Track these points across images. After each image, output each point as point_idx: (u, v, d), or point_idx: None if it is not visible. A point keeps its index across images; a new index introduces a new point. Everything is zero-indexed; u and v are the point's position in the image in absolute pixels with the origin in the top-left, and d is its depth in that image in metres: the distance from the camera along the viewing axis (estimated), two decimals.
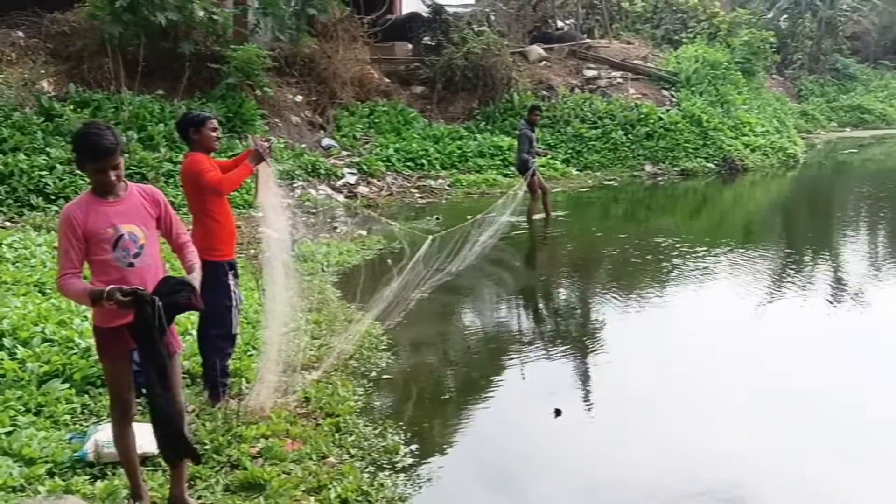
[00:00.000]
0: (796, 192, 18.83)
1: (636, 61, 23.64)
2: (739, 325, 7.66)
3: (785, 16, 37.34)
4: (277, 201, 5.52)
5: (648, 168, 19.38)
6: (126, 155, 3.70)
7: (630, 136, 19.90)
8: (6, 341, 5.32)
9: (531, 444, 5.04)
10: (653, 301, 8.58)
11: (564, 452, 4.98)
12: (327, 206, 14.23)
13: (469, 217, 11.68)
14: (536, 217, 13.01)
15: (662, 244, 11.26)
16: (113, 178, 3.49)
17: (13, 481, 3.88)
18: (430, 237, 8.34)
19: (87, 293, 3.43)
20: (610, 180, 18.19)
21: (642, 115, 20.33)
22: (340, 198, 15.01)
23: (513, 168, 15.00)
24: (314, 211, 13.67)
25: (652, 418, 5.40)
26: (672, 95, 22.09)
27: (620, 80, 22.25)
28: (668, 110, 21.09)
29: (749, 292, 8.80)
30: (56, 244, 3.96)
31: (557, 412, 5.38)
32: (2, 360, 5.07)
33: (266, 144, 5.19)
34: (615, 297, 8.71)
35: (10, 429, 4.38)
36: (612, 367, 6.50)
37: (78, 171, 11.82)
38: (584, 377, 6.36)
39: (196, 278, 3.67)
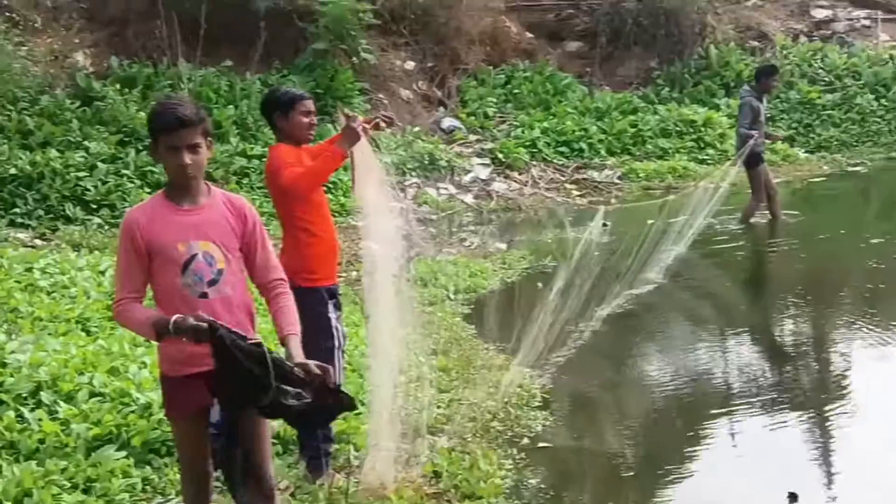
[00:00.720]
0: None
1: None
2: None
3: None
4: (383, 199, 5.63)
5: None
6: (214, 143, 3.78)
7: (884, 101, 19.17)
8: (45, 396, 5.64)
9: None
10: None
11: None
12: (452, 210, 14.42)
13: (650, 221, 11.56)
14: (755, 220, 12.74)
15: None
16: (188, 160, 3.59)
17: None
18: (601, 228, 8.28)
19: (150, 323, 3.55)
20: (855, 165, 17.55)
21: None
22: (469, 199, 15.17)
23: (730, 149, 14.82)
24: (434, 217, 13.88)
25: None
26: None
27: (866, 23, 21.50)
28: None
29: None
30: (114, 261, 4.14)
31: (793, 497, 5.23)
32: (41, 420, 5.38)
33: (360, 120, 5.26)
34: (868, 334, 8.38)
35: None
36: (866, 433, 6.25)
37: (126, 172, 12.57)
38: (827, 448, 6.14)
39: (298, 355, 3.67)
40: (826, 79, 19.57)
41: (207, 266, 3.66)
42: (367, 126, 5.30)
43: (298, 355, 3.66)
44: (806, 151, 18.23)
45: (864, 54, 20.10)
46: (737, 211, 12.90)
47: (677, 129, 18.07)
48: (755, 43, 20.61)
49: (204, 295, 3.64)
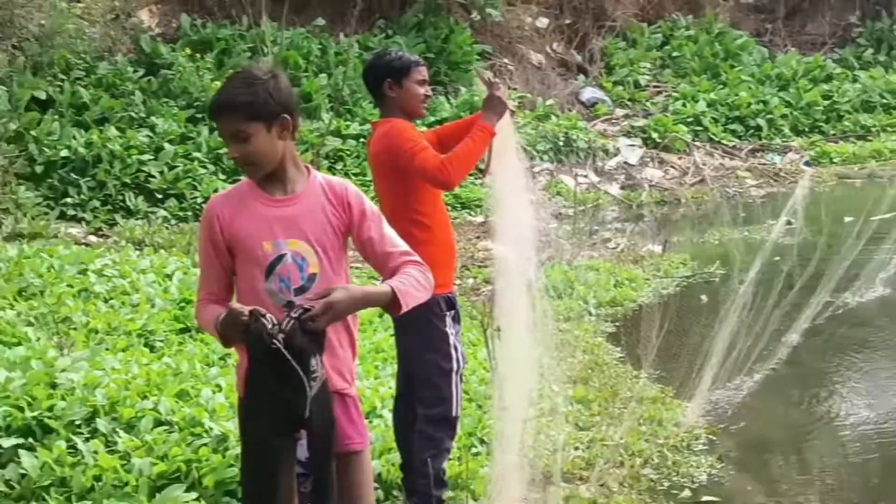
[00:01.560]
0: None
1: None
2: None
3: None
4: (522, 186, 5.65)
5: None
6: (291, 122, 3.77)
7: None
8: (101, 423, 5.77)
9: None
10: None
11: None
12: (593, 203, 14.39)
13: (848, 218, 11.34)
14: None
15: None
16: (234, 152, 3.68)
17: None
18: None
19: (213, 324, 3.58)
20: None
21: None
22: (614, 189, 15.12)
23: None
24: (570, 212, 13.87)
25: None
26: None
27: None
28: None
29: None
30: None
31: None
32: (96, 452, 5.51)
33: (504, 91, 5.32)
34: None
35: None
36: None
37: (197, 155, 12.86)
38: None
39: (359, 290, 3.70)
40: None
41: (297, 270, 3.69)
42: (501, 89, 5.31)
43: (358, 288, 3.76)
44: None
45: None
46: None
47: (883, 101, 17.78)
48: None
49: (289, 304, 3.58)
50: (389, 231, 3.81)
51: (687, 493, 6.08)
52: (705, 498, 6.05)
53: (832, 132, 17.17)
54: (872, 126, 17.26)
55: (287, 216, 3.68)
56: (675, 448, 6.59)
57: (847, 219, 12.22)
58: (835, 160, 16.21)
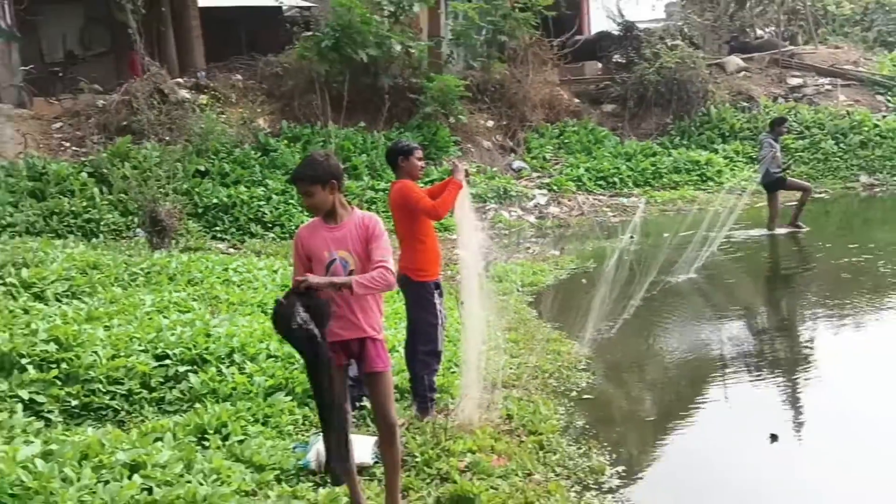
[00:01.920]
0: None
1: (846, 66, 21.96)
2: None
3: None
4: (472, 220, 5.66)
5: (863, 179, 17.93)
6: (338, 185, 3.83)
7: (842, 145, 18.54)
8: (237, 357, 5.78)
9: (744, 471, 4.78)
10: (871, 319, 7.91)
11: (780, 481, 4.68)
12: (519, 227, 14.38)
13: (665, 234, 11.35)
14: (779, 230, 12.53)
15: (881, 259, 10.34)
16: (306, 203, 3.83)
17: (246, 486, 4.20)
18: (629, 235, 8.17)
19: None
20: (820, 193, 16.98)
21: (855, 123, 18.89)
22: (532, 219, 15.10)
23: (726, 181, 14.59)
24: (507, 232, 13.86)
25: (884, 450, 4.95)
26: (888, 101, 20.34)
27: (829, 87, 20.80)
28: (884, 116, 19.46)
29: None
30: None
31: (774, 437, 5.08)
32: (233, 374, 5.52)
33: (463, 166, 5.36)
34: (831, 315, 8.10)
35: (241, 437, 4.75)
36: (828, 391, 6.05)
37: (292, 202, 12.83)
38: (798, 402, 5.95)
39: (327, 279, 3.67)
40: (798, 129, 18.97)
41: (342, 267, 3.78)
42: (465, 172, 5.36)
43: (327, 277, 3.70)
44: None
45: (826, 111, 19.45)
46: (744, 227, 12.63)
47: (686, 167, 17.75)
48: (745, 103, 20.06)
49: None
50: (385, 248, 3.79)
51: (574, 393, 6.08)
52: (584, 396, 6.05)
53: (656, 184, 17.17)
54: (679, 181, 17.26)
55: (336, 237, 3.78)
56: (567, 367, 6.58)
57: (665, 234, 12.25)
58: (658, 201, 16.20)
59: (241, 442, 4.68)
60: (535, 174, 17.21)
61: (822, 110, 19.46)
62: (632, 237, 12.41)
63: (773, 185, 12.34)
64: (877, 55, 23.73)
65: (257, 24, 19.54)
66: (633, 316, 8.09)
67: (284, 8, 19.06)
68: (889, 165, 18.10)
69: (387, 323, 6.63)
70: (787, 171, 13.84)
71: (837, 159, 18.31)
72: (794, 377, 6.44)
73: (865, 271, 9.85)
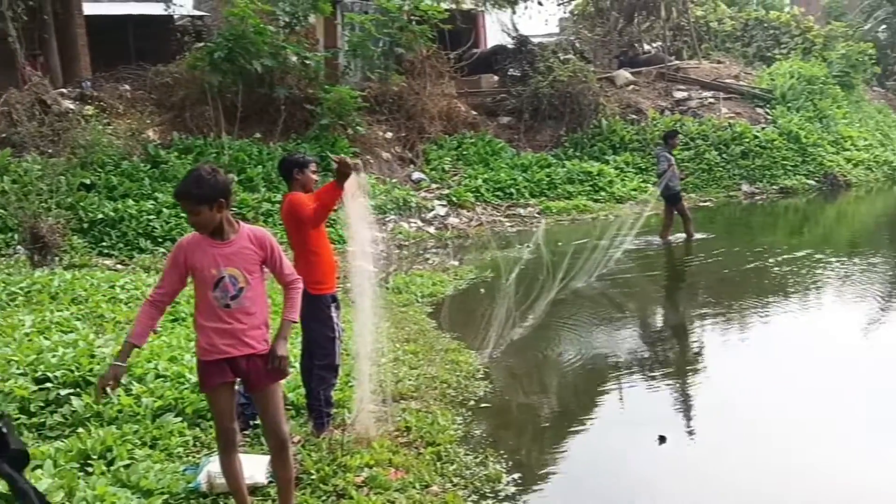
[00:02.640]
0: None
1: (728, 80, 23.14)
2: (852, 342, 7.33)
3: (884, 26, 35.70)
4: (363, 212, 5.57)
5: (745, 188, 18.89)
6: (224, 203, 3.72)
7: (724, 155, 19.48)
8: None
9: (636, 473, 4.92)
10: (757, 320, 8.31)
11: (671, 480, 4.84)
12: (419, 238, 14.42)
13: (559, 243, 11.58)
14: (669, 239, 12.98)
15: (766, 261, 10.90)
16: (191, 221, 3.69)
17: None
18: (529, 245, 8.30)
19: (128, 336, 3.73)
20: (705, 202, 17.77)
21: (736, 134, 19.90)
22: (432, 230, 15.17)
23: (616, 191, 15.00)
24: (406, 244, 13.87)
25: (765, 445, 5.19)
26: (767, 113, 21.51)
27: (712, 100, 21.82)
28: (763, 128, 20.57)
29: (860, 309, 8.43)
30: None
31: (662, 439, 5.24)
32: (119, 396, 5.29)
33: (344, 159, 5.08)
34: (718, 318, 8.46)
35: (128, 462, 4.55)
36: (715, 390, 6.31)
37: (183, 215, 12.45)
38: (687, 402, 6.19)
39: (282, 339, 3.75)
40: (684, 140, 19.76)
41: (231, 285, 3.68)
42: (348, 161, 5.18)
43: (281, 338, 3.77)
44: None
45: (710, 123, 20.37)
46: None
47: (579, 178, 18.22)
48: (634, 116, 20.80)
49: (227, 306, 3.68)
50: (286, 261, 3.86)
51: (472, 402, 6.10)
52: (483, 405, 6.08)
53: (551, 195, 17.53)
54: (573, 191, 17.69)
55: (225, 254, 3.68)
56: (465, 377, 6.61)
57: (559, 243, 12.53)
58: (553, 210, 16.55)
59: (127, 466, 4.47)
60: (434, 185, 17.31)
61: (706, 122, 20.37)
62: (528, 247, 12.63)
63: (672, 198, 12.78)
64: (756, 69, 25.10)
65: (146, 33, 18.96)
66: (532, 324, 8.19)
67: (175, 17, 18.56)
68: (769, 175, 19.13)
69: None
70: (686, 181, 14.43)
71: (721, 169, 19.19)
72: (685, 379, 6.68)
73: (758, 270, 10.38)
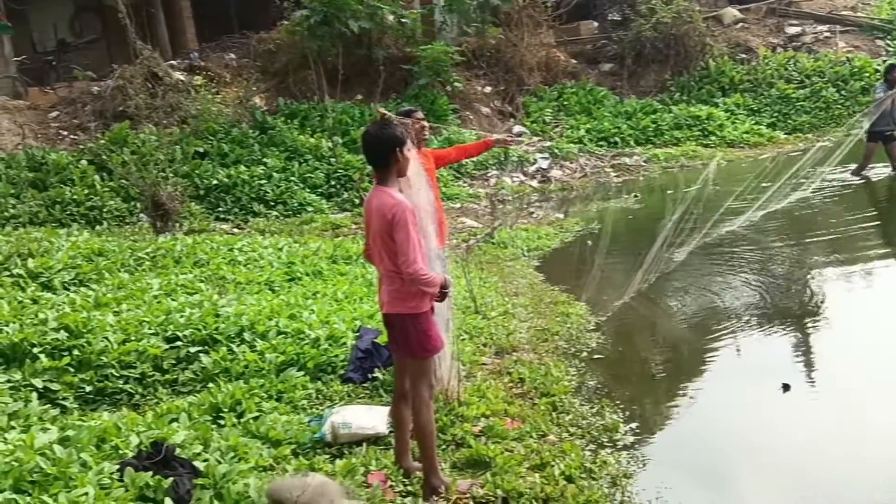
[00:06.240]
0: None
1: (844, 12, 21.70)
2: None
3: None
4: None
5: (866, 125, 17.78)
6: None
7: (843, 92, 18.35)
8: (246, 335, 5.79)
9: (757, 422, 4.80)
10: (882, 273, 7.88)
11: (793, 430, 4.69)
12: (523, 192, 14.33)
13: (669, 191, 11.24)
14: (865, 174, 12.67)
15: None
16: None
17: (264, 461, 4.22)
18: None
19: (439, 281, 3.82)
20: (824, 141, 16.84)
21: (855, 69, 18.68)
22: (534, 183, 15.03)
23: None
24: (510, 198, 13.81)
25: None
26: (888, 45, 20.09)
27: (828, 35, 20.54)
28: (884, 61, 19.22)
29: None
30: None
31: (786, 387, 5.09)
32: (244, 352, 5.54)
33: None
34: (841, 269, 8.07)
35: (256, 414, 4.77)
36: (838, 342, 6.05)
37: (293, 179, 12.83)
38: (809, 353, 5.96)
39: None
40: (798, 78, 18.78)
41: None
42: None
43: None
44: (785, 133, 17.59)
45: (826, 58, 19.23)
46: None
47: (687, 123, 17.61)
48: (743, 55, 19.86)
49: None
50: None
51: (584, 354, 6.09)
52: (595, 356, 6.06)
53: (658, 142, 17.06)
54: (681, 137, 17.14)
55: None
56: (577, 329, 6.59)
57: (668, 191, 12.20)
58: (661, 158, 16.08)
59: (255, 418, 4.70)
60: (535, 138, 17.09)
61: (821, 58, 19.24)
62: (636, 196, 12.34)
63: (878, 135, 12.31)
64: None
65: (247, 1, 19.33)
66: (643, 276, 8.03)
67: None
68: None
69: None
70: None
71: (839, 107, 18.13)
72: (811, 323, 6.44)
73: None
